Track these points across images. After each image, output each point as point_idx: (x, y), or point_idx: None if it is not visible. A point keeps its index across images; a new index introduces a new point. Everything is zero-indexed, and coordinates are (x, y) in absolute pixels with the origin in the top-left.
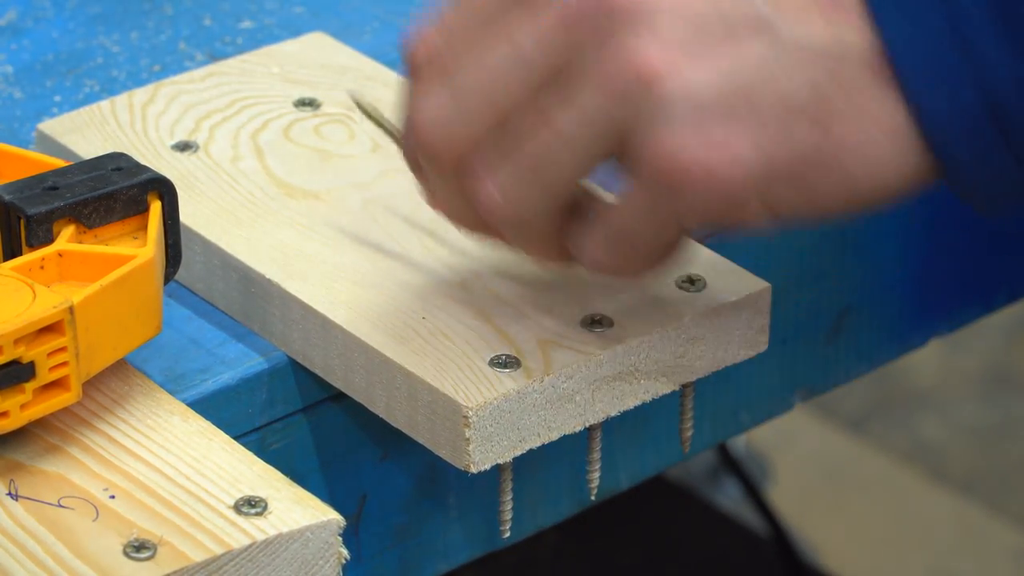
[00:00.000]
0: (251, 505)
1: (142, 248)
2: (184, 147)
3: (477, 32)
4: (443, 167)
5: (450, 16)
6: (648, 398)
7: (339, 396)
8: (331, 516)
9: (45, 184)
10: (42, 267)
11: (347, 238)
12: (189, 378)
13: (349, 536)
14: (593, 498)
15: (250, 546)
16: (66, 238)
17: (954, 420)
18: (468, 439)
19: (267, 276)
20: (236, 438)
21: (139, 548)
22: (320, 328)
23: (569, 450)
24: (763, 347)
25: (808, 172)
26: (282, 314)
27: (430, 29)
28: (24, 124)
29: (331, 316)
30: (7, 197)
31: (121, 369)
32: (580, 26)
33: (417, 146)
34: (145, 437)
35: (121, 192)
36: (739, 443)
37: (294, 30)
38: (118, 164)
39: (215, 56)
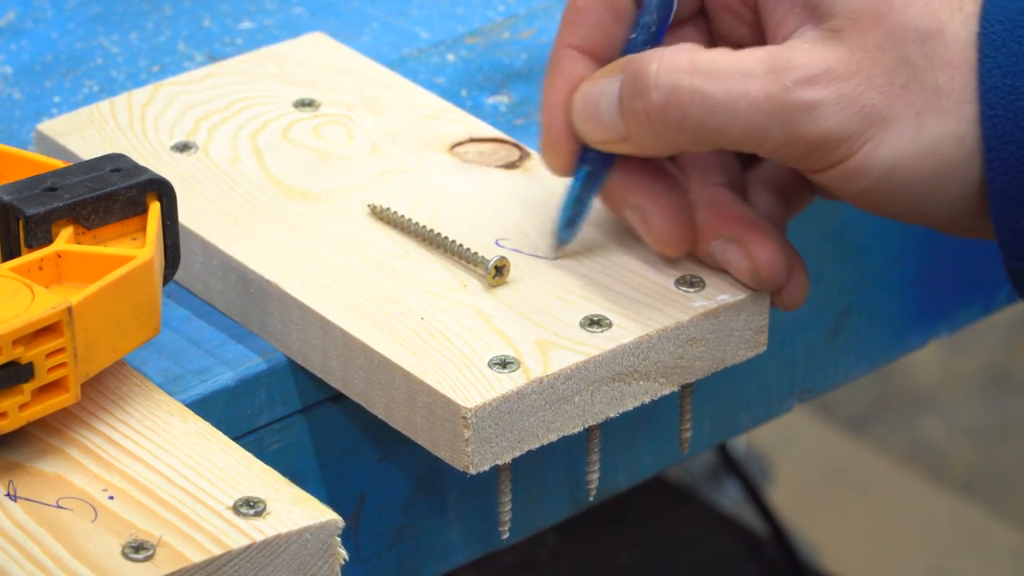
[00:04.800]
0: (250, 506)
1: (141, 249)
2: (183, 148)
3: None
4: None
5: None
6: (647, 399)
7: (338, 397)
8: (330, 517)
9: (44, 185)
10: (41, 268)
11: (346, 239)
12: (188, 379)
13: (348, 537)
14: (592, 499)
15: (249, 547)
16: (65, 239)
17: (954, 420)
18: (467, 440)
19: (266, 277)
20: (235, 439)
21: (138, 549)
22: (319, 329)
23: (568, 451)
24: (762, 348)
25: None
26: (281, 315)
27: None
28: (23, 125)
29: (330, 317)
30: (6, 198)
31: (120, 370)
32: None
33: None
34: (144, 438)
35: (120, 193)
36: (739, 444)
37: (293, 31)
38: (117, 165)
39: (214, 57)
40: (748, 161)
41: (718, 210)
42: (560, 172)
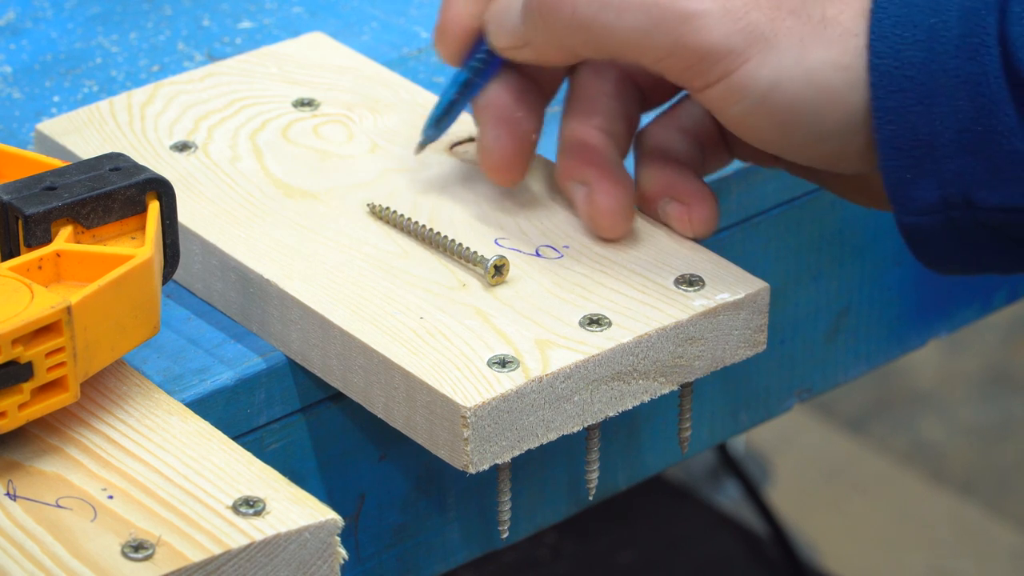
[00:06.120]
0: (249, 505)
1: (140, 248)
2: (183, 147)
3: None
4: None
5: None
6: (647, 398)
7: (337, 396)
8: (329, 516)
9: (43, 184)
10: (40, 267)
11: (346, 238)
12: (187, 378)
13: (347, 536)
14: (591, 498)
15: (248, 546)
16: (64, 238)
17: (954, 420)
18: (466, 439)
19: (265, 276)
20: (235, 438)
21: (137, 548)
22: (319, 328)
23: (567, 450)
24: (762, 347)
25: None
26: (281, 314)
27: None
28: (23, 124)
29: (330, 316)
30: (5, 197)
31: (119, 369)
32: None
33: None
34: (143, 437)
35: (119, 192)
36: (739, 443)
37: (293, 30)
38: (116, 164)
39: (214, 56)
40: (669, 112)
41: (579, 152)
42: (448, 60)
